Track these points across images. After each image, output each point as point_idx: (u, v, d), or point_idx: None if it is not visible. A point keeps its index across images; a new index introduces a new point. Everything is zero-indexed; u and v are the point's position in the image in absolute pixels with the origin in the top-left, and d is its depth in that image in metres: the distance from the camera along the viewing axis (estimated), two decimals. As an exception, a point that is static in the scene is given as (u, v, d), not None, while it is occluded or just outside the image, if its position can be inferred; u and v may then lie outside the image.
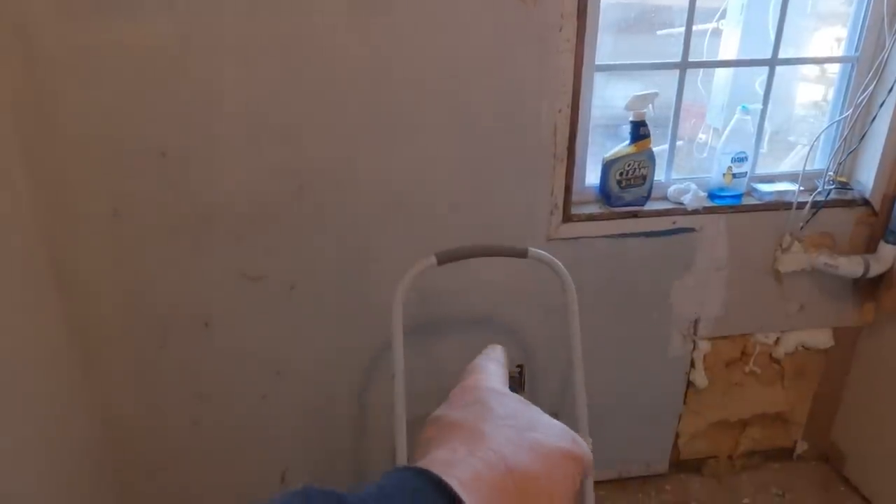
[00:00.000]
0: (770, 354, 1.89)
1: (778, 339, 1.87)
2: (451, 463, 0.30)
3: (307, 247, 1.49)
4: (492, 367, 0.40)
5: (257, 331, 1.55)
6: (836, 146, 1.70)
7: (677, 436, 1.96)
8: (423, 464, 0.30)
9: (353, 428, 1.72)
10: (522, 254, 1.36)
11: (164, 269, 1.45)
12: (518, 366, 1.70)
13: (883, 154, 1.63)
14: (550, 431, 0.34)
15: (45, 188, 1.34)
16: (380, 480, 0.29)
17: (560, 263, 1.35)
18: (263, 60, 1.32)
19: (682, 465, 2.01)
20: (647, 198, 1.64)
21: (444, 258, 1.32)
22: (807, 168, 1.67)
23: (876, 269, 1.70)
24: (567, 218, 1.58)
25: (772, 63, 1.63)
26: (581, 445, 0.34)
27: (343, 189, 1.46)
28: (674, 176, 1.72)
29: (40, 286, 1.38)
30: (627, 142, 1.58)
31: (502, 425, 0.33)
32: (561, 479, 0.32)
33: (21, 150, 1.30)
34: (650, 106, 1.59)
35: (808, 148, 1.70)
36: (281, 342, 1.58)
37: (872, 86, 1.60)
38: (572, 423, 1.40)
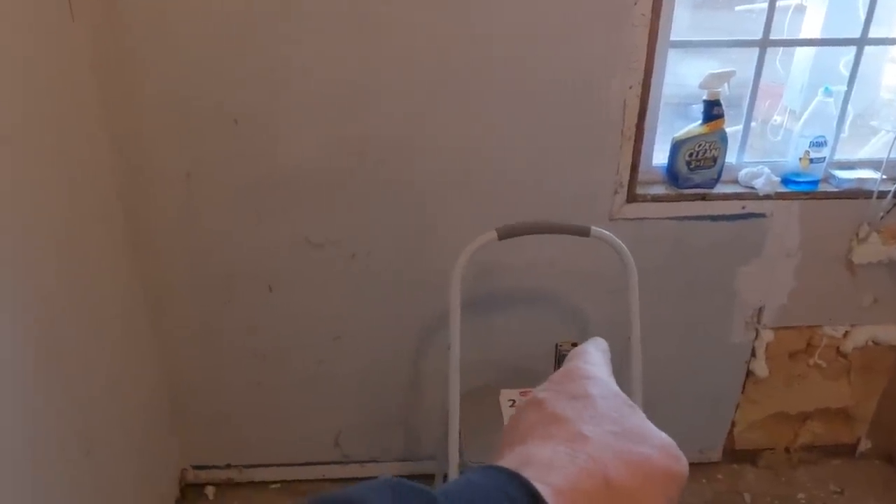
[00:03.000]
0: (837, 348, 1.82)
1: (847, 332, 1.80)
2: (550, 465, 0.29)
3: (369, 216, 1.51)
4: (598, 356, 0.38)
5: (318, 296, 1.59)
6: (926, 133, 1.60)
7: (733, 424, 1.92)
8: (520, 460, 0.29)
9: (407, 395, 1.75)
10: (585, 232, 1.35)
11: (231, 231, 1.50)
12: (573, 344, 1.69)
13: (977, 143, 1.53)
14: (657, 443, 0.31)
15: (124, 149, 1.40)
16: (470, 476, 0.28)
17: (622, 244, 1.33)
18: (338, 30, 1.33)
19: (736, 455, 1.97)
20: (717, 180, 1.59)
21: (505, 233, 1.32)
22: (891, 155, 1.58)
23: (960, 265, 1.61)
24: (632, 198, 1.55)
25: (860, 43, 1.54)
26: (684, 464, 0.31)
27: (408, 160, 1.47)
28: (746, 159, 1.65)
29: (116, 243, 1.45)
30: (699, 121, 1.53)
31: (606, 430, 0.31)
32: (659, 500, 0.30)
33: (102, 111, 1.36)
34: (725, 85, 1.53)
35: (892, 134, 1.61)
36: (340, 308, 1.61)
37: (971, 69, 1.50)
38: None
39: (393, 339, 1.66)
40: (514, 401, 1.49)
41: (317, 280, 1.57)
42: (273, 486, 1.84)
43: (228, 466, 1.81)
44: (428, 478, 1.81)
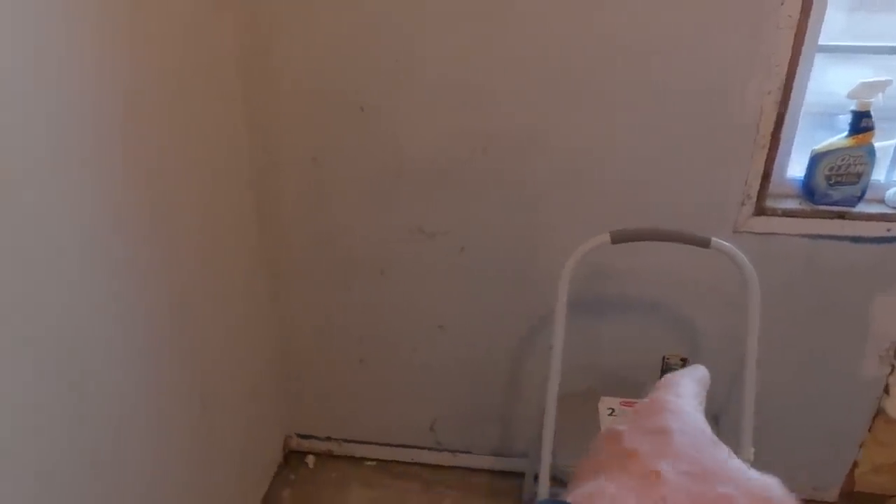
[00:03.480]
0: None
1: None
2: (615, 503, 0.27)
3: (482, 210, 1.52)
4: (689, 387, 0.35)
5: (426, 284, 1.63)
6: None
7: (855, 465, 1.76)
8: (589, 494, 0.28)
9: (504, 391, 1.75)
10: (704, 243, 1.28)
11: (351, 215, 1.57)
12: (681, 359, 1.62)
13: None
14: (742, 484, 0.28)
15: (258, 135, 1.50)
16: None
17: (745, 259, 1.25)
18: (465, 26, 1.35)
19: (855, 498, 1.81)
20: (860, 198, 1.46)
21: (619, 237, 1.29)
22: None
23: None
24: (760, 211, 1.46)
25: None
26: (789, 501, 0.28)
27: (526, 158, 1.46)
28: (896, 177, 1.51)
29: (246, 223, 1.55)
30: (844, 133, 1.41)
31: (683, 470, 0.29)
32: None
33: (242, 99, 1.46)
34: (879, 95, 1.40)
35: None
36: (446, 298, 1.64)
37: None
38: (735, 428, 1.32)
39: (496, 333, 1.67)
40: (613, 409, 1.45)
41: (426, 269, 1.61)
42: (368, 462, 1.91)
43: (329, 439, 1.90)
44: (518, 476, 1.81)
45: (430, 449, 1.87)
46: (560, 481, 1.69)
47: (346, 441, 1.90)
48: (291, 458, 1.92)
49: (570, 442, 1.40)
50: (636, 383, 1.60)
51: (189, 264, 1.30)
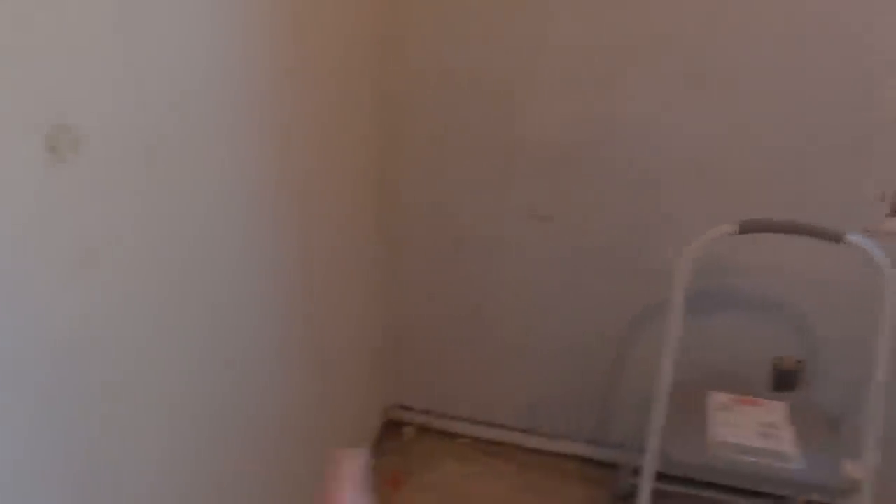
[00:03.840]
0: None
1: None
2: None
3: (598, 195, 1.52)
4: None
5: (535, 266, 1.65)
6: None
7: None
8: None
9: (607, 379, 1.75)
10: (837, 238, 1.24)
11: (465, 193, 1.61)
12: (798, 361, 1.56)
13: None
14: None
15: (386, 112, 1.56)
16: None
17: (885, 257, 1.20)
18: (595, 11, 1.36)
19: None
20: None
21: (747, 228, 1.26)
22: None
23: None
24: (897, 211, 1.39)
25: None
26: None
27: (646, 143, 1.45)
28: None
29: (368, 195, 1.62)
30: None
31: None
32: None
33: (377, 79, 1.52)
34: None
35: None
36: (555, 281, 1.65)
37: None
38: (857, 434, 1.27)
39: (601, 320, 1.67)
40: (724, 405, 1.42)
41: (536, 251, 1.63)
42: (462, 439, 1.95)
43: (427, 412, 1.96)
44: (612, 467, 1.80)
45: (525, 431, 1.89)
46: (661, 476, 1.68)
47: (443, 416, 1.95)
48: (390, 427, 1.99)
49: (675, 436, 1.39)
50: (745, 381, 1.56)
51: (315, 233, 1.37)
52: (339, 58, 1.35)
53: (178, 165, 0.89)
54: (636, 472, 1.49)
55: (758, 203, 1.43)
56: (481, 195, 1.60)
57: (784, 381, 1.57)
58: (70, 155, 0.69)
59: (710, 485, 1.64)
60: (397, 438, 1.97)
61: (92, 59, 0.72)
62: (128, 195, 0.80)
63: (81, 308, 0.75)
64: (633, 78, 1.40)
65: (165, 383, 0.93)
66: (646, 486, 1.39)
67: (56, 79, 0.67)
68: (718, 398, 1.44)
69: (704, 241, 1.27)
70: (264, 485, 1.30)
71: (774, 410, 1.40)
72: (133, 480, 0.90)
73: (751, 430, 1.35)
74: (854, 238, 1.22)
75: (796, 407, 1.41)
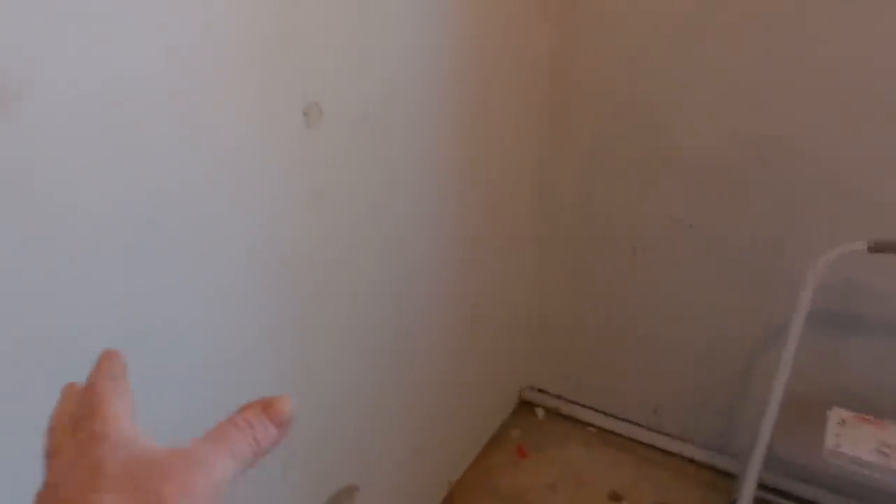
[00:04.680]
0: None
1: None
2: None
3: (740, 208, 1.63)
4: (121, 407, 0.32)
5: (674, 270, 1.78)
6: None
7: None
8: None
9: (735, 387, 1.82)
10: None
11: (615, 198, 1.78)
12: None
13: None
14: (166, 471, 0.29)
15: (551, 122, 1.79)
16: None
17: None
18: (749, 34, 1.49)
19: None
20: None
21: (879, 247, 1.31)
22: None
23: None
24: None
25: None
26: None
27: (793, 163, 1.53)
28: None
29: (529, 191, 1.86)
30: None
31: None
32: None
33: (541, 90, 1.76)
34: None
35: None
36: (691, 285, 1.77)
37: None
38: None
39: (735, 328, 1.75)
40: (844, 421, 1.46)
41: (676, 255, 1.76)
42: (590, 428, 2.10)
43: (559, 397, 2.14)
44: (730, 476, 1.86)
45: (649, 429, 2.00)
46: (772, 489, 1.73)
47: (574, 403, 2.12)
48: (523, 406, 2.20)
49: (785, 438, 1.45)
50: (875, 404, 1.57)
51: (483, 214, 1.63)
52: (514, 69, 1.61)
53: (385, 136, 1.19)
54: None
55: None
56: (629, 200, 1.77)
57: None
58: (316, 122, 1.01)
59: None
60: (529, 417, 2.17)
61: (334, 57, 1.03)
62: (348, 154, 1.11)
63: (303, 232, 1.07)
64: (787, 99, 1.50)
65: (347, 300, 1.23)
66: (749, 482, 1.47)
67: (312, 70, 1.00)
68: (840, 413, 1.47)
69: (833, 256, 1.34)
70: (404, 423, 1.56)
71: (897, 435, 1.41)
72: (316, 373, 1.21)
73: (868, 446, 1.38)
74: None
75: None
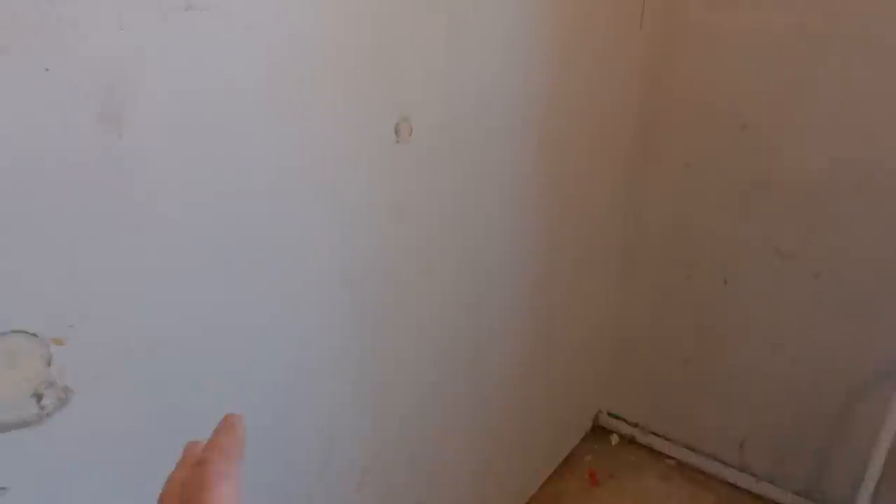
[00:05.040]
0: None
1: None
2: None
3: (848, 239, 1.51)
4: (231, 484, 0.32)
5: (769, 302, 1.67)
6: None
7: None
8: None
9: (830, 429, 1.69)
10: None
11: (708, 222, 1.70)
12: None
13: None
14: None
15: (643, 137, 1.73)
16: None
17: None
18: (856, 55, 1.38)
19: None
20: None
21: None
22: None
23: None
24: None
25: None
26: None
27: (909, 193, 1.42)
28: None
29: (614, 209, 1.80)
30: None
31: None
32: None
33: (633, 106, 1.70)
34: None
35: None
36: (788, 320, 1.66)
37: None
38: None
39: (839, 364, 1.62)
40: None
41: (773, 287, 1.65)
42: (668, 460, 2.00)
43: (636, 425, 2.05)
44: (825, 526, 1.73)
45: (732, 466, 1.89)
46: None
47: (651, 433, 2.03)
48: (597, 431, 2.13)
49: (888, 493, 1.33)
50: None
51: (565, 232, 1.59)
52: (606, 82, 1.56)
53: (471, 150, 1.18)
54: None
55: None
56: (722, 225, 1.68)
57: None
58: (406, 136, 1.01)
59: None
60: (603, 443, 2.09)
61: (426, 72, 1.02)
62: (434, 167, 1.10)
63: (385, 244, 1.06)
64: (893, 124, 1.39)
65: (423, 313, 1.22)
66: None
67: (404, 85, 0.99)
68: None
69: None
70: (473, 440, 1.53)
71: None
72: (390, 386, 1.20)
73: None
74: None
75: None
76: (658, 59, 1.64)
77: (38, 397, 0.66)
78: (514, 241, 1.41)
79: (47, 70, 0.60)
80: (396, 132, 0.99)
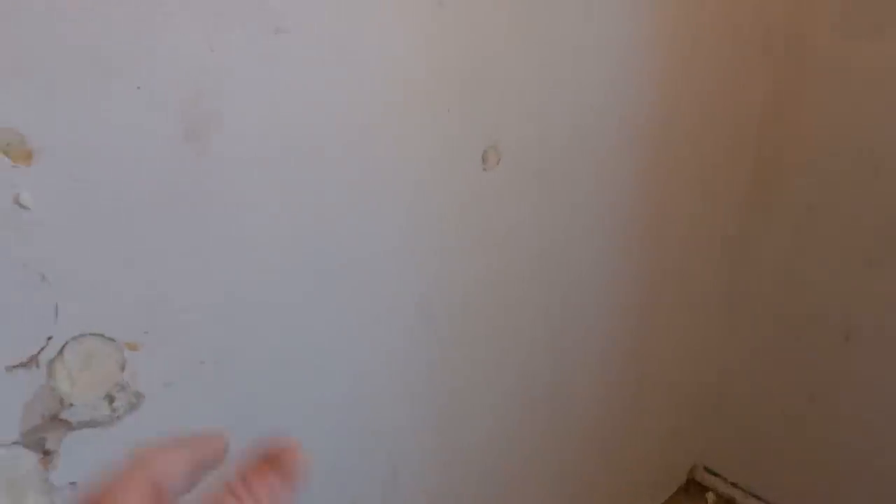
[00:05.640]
0: None
1: None
2: None
3: None
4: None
5: (897, 365, 1.49)
6: None
7: None
8: None
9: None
10: None
11: (828, 267, 1.54)
12: None
13: None
14: None
15: (760, 173, 1.60)
16: None
17: None
18: None
19: None
20: None
21: None
22: None
23: None
24: None
25: None
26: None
27: None
28: None
29: (719, 248, 1.67)
30: None
31: None
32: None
33: (751, 145, 1.58)
34: None
35: None
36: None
37: None
38: None
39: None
40: None
41: (903, 349, 1.47)
42: (771, 529, 1.83)
43: (735, 486, 1.89)
44: None
45: (845, 545, 1.69)
46: None
47: (752, 495, 1.85)
48: (691, 486, 1.97)
49: None
50: None
51: (659, 273, 1.49)
52: (720, 119, 1.46)
53: (565, 183, 1.13)
54: None
55: None
56: (847, 274, 1.52)
57: None
58: (493, 165, 0.98)
59: None
60: (699, 500, 1.94)
61: (516, 104, 1.00)
62: (523, 198, 1.07)
63: (467, 274, 1.04)
64: None
65: (504, 344, 1.18)
66: None
67: (494, 116, 0.97)
68: None
69: None
70: (551, 486, 1.46)
71: None
72: (459, 419, 1.16)
73: None
74: None
75: None
76: (781, 89, 1.52)
77: (110, 399, 0.69)
78: (606, 278, 1.34)
79: (138, 88, 0.62)
80: (484, 160, 0.97)
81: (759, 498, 1.84)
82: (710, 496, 1.93)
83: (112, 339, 0.68)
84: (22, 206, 0.57)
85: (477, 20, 0.90)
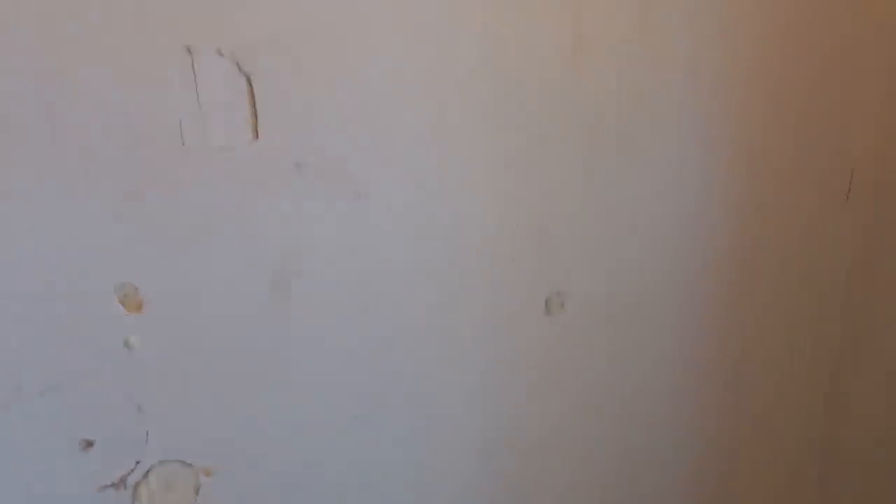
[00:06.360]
0: None
1: None
2: None
3: None
4: None
5: None
6: None
7: None
8: None
9: None
10: None
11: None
12: None
13: None
14: None
15: (849, 328, 1.51)
16: None
17: None
18: None
19: None
20: None
21: None
22: None
23: None
24: None
25: None
26: None
27: None
28: None
29: (812, 411, 1.56)
30: None
31: None
32: None
33: (842, 295, 1.49)
34: None
35: None
36: None
37: None
38: None
39: None
40: None
41: None
42: None
43: None
44: None
45: None
46: None
47: None
48: None
49: None
50: None
51: (736, 432, 1.40)
52: (802, 265, 1.42)
53: (631, 329, 1.14)
54: None
55: None
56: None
57: None
58: (557, 312, 1.02)
59: None
60: None
61: (582, 253, 1.04)
62: (588, 344, 1.09)
63: (529, 420, 1.05)
64: None
65: (569, 493, 1.15)
66: None
67: (559, 264, 1.02)
68: None
69: None
70: None
71: None
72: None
73: None
74: None
75: None
76: (868, 237, 1.47)
77: (185, 521, 0.75)
78: (681, 431, 1.30)
79: (236, 246, 0.73)
80: (547, 306, 1.01)
81: None
82: None
83: (190, 465, 0.75)
84: (129, 347, 0.68)
85: (544, 176, 0.97)
